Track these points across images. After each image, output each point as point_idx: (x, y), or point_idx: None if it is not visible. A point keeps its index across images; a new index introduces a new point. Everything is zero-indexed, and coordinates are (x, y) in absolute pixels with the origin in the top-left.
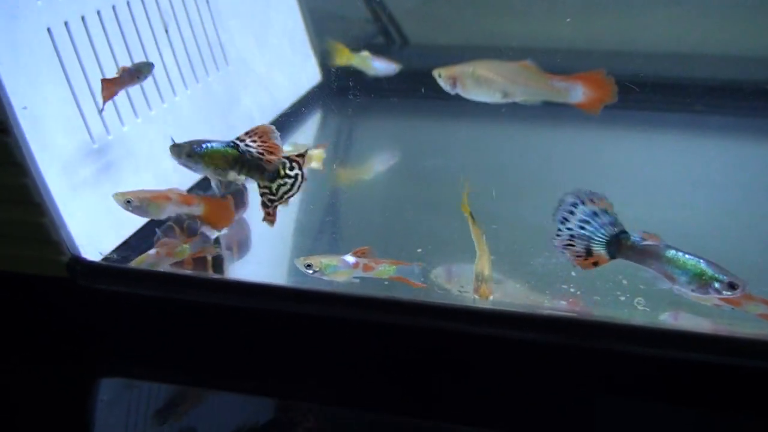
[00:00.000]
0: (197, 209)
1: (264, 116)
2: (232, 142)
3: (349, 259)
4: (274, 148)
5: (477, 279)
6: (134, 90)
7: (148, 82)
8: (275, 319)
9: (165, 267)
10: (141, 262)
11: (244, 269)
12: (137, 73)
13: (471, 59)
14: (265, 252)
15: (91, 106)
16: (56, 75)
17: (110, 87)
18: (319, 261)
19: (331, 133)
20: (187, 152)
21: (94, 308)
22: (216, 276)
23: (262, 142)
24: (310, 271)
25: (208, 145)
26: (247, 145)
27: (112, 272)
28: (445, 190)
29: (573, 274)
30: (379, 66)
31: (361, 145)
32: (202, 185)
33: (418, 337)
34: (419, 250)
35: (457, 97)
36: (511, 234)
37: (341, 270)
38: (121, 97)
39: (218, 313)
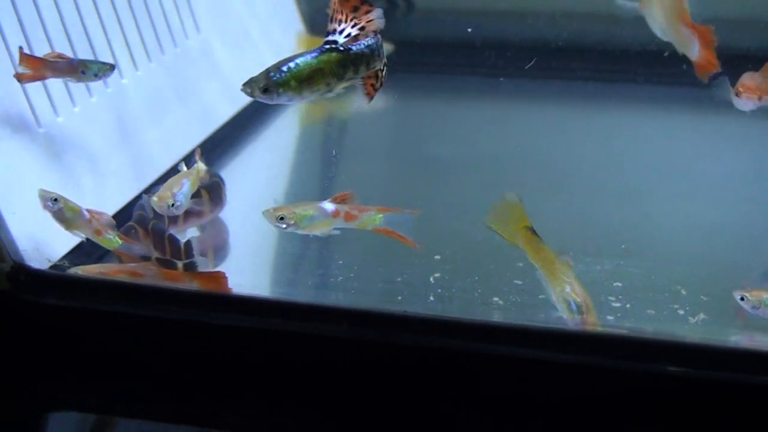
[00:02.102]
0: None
1: (235, 101)
2: (325, 43)
3: (328, 206)
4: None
5: (576, 310)
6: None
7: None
8: (260, 339)
9: (127, 277)
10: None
11: None
12: (81, 67)
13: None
14: (247, 258)
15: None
16: None
17: (35, 67)
18: (293, 211)
19: (322, 118)
20: (264, 86)
21: (42, 327)
22: (187, 287)
23: (356, 20)
24: (283, 225)
25: (296, 62)
26: (346, 36)
27: (63, 283)
28: (460, 183)
29: (618, 284)
30: None
31: (357, 131)
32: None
33: (436, 361)
34: (437, 256)
35: (468, 72)
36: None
37: (319, 221)
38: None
39: (192, 331)
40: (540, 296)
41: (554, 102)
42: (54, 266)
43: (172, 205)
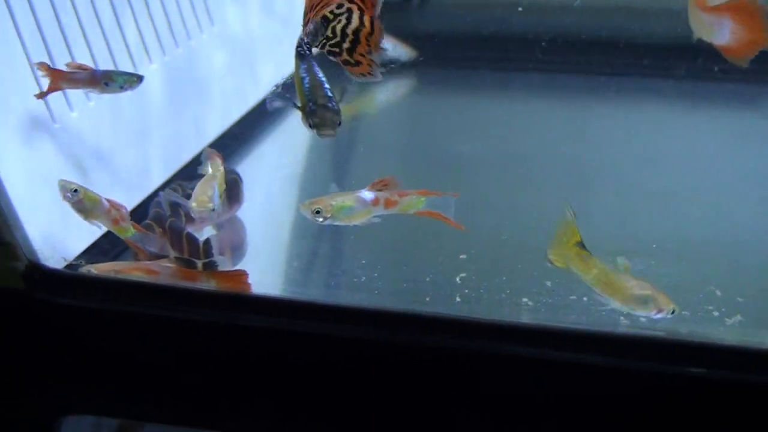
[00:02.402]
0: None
1: (248, 97)
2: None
3: (367, 194)
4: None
5: (652, 302)
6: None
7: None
8: (282, 341)
9: (142, 275)
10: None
11: None
12: (105, 78)
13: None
14: (265, 257)
15: None
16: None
17: (56, 79)
18: (329, 204)
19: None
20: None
21: (57, 327)
22: (205, 287)
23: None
24: (320, 219)
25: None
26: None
27: (78, 282)
28: (484, 180)
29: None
30: (387, 50)
31: (372, 128)
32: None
33: (466, 364)
34: (462, 256)
35: (490, 66)
36: None
37: (358, 211)
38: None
39: (212, 333)
40: (571, 297)
41: (579, 97)
42: (70, 265)
43: (213, 209)
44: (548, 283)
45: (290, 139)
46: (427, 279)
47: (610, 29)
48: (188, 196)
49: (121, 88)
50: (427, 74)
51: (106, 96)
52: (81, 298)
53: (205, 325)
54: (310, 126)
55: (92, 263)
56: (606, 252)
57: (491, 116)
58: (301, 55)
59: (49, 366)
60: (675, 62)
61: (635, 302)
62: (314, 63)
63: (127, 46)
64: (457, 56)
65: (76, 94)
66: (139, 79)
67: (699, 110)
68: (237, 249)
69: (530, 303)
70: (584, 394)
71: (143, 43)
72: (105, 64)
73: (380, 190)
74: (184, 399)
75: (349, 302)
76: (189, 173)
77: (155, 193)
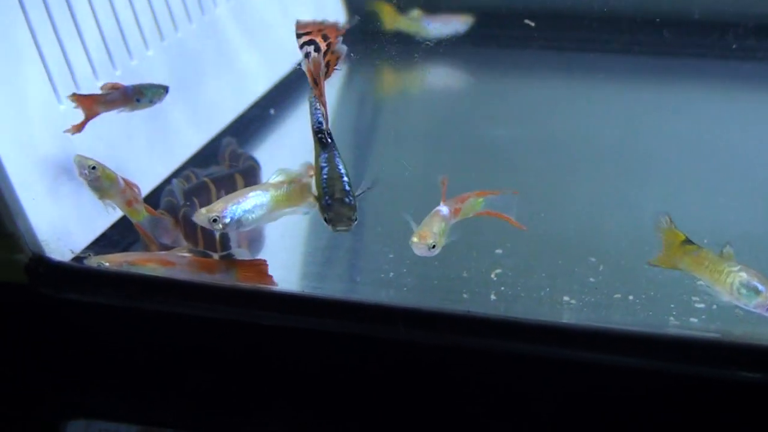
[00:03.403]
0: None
1: (267, 76)
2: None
3: (444, 210)
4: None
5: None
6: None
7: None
8: (307, 340)
9: (156, 270)
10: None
11: None
12: (136, 95)
13: None
14: (286, 251)
15: (58, 55)
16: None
17: (89, 106)
18: (433, 233)
19: (357, 94)
20: None
21: (63, 325)
22: (224, 281)
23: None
24: (436, 252)
25: None
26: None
27: (86, 276)
28: (521, 168)
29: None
30: (436, 28)
31: (398, 110)
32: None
33: (503, 366)
34: (498, 250)
35: (530, 45)
36: (614, 226)
37: (447, 228)
38: (95, 50)
39: (231, 331)
40: (616, 295)
41: (622, 78)
42: (77, 258)
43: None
44: (591, 280)
45: None
46: (464, 275)
47: (660, 7)
48: (201, 184)
49: (151, 102)
50: (460, 54)
51: (117, 75)
52: (89, 294)
53: (223, 324)
54: (325, 220)
55: (101, 255)
56: (653, 248)
57: (529, 98)
58: (323, 143)
59: (55, 366)
60: (726, 40)
61: (747, 290)
62: (336, 152)
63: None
64: (491, 35)
65: (82, 72)
66: (165, 90)
67: (750, 92)
68: (255, 241)
69: (572, 301)
70: (629, 398)
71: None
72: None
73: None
74: (200, 403)
75: (377, 300)
76: (202, 159)
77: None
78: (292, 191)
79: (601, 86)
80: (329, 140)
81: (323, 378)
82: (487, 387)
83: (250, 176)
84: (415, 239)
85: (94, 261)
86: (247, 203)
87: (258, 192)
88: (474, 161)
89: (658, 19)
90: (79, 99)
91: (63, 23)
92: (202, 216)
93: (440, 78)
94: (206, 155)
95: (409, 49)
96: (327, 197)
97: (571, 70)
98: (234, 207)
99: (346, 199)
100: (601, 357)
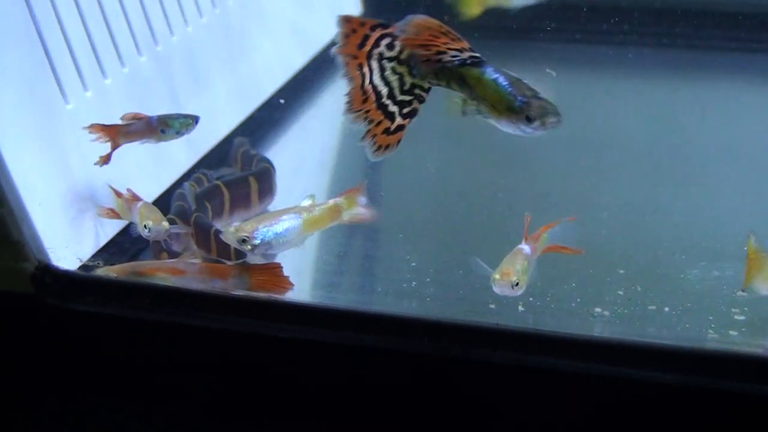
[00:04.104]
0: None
1: (285, 68)
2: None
3: (526, 248)
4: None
5: None
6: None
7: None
8: (326, 354)
9: (166, 280)
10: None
11: None
12: (161, 125)
13: None
14: (302, 258)
15: (64, 52)
16: None
17: (111, 136)
18: (514, 271)
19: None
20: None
21: (71, 337)
22: (239, 290)
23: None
24: (520, 291)
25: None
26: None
27: (95, 286)
28: (551, 170)
29: (742, 293)
30: None
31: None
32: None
33: (533, 382)
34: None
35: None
36: (647, 232)
37: (529, 267)
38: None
39: (247, 345)
40: (650, 307)
41: (657, 74)
42: (85, 266)
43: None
44: (620, 292)
45: (328, 121)
46: (482, 285)
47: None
48: (214, 187)
49: (177, 134)
50: (493, 47)
51: (125, 72)
52: (98, 304)
53: (236, 336)
54: (528, 119)
55: (110, 264)
56: (690, 256)
57: (556, 94)
58: (480, 61)
59: (62, 381)
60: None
61: None
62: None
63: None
64: (518, 26)
65: (89, 68)
66: (195, 120)
67: None
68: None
69: (605, 313)
70: (666, 416)
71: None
72: None
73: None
74: (210, 419)
75: (398, 311)
76: (214, 160)
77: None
78: (325, 214)
79: (633, 82)
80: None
81: (341, 394)
82: (517, 404)
83: (265, 179)
84: (497, 276)
85: (101, 271)
86: (279, 226)
87: (291, 215)
88: (497, 161)
89: (693, 12)
90: (102, 129)
91: (68, 16)
92: (230, 235)
93: None
94: (218, 155)
95: None
96: (519, 97)
97: (601, 63)
98: (265, 229)
99: (538, 94)
100: (634, 372)
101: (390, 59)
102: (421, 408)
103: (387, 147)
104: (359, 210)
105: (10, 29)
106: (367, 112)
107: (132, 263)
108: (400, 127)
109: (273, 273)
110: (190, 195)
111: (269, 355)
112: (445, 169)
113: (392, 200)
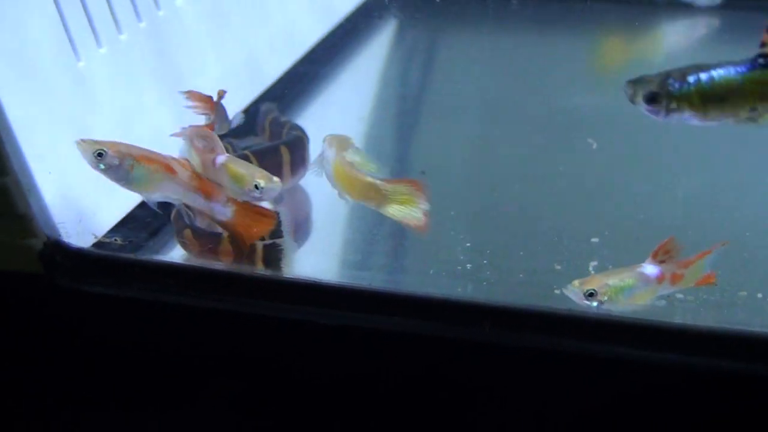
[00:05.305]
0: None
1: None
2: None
3: (651, 269)
4: None
5: None
6: None
7: None
8: (369, 341)
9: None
10: None
11: (307, 262)
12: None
13: None
14: (339, 237)
15: (76, 3)
16: None
17: (213, 111)
18: (605, 283)
19: (406, 54)
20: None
21: (83, 321)
22: (269, 273)
23: None
24: (595, 304)
25: (710, 74)
26: None
27: (110, 265)
28: (610, 143)
29: None
30: None
31: (452, 75)
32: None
33: (606, 371)
34: (594, 239)
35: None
36: (731, 211)
37: (641, 291)
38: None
39: (280, 331)
40: (741, 293)
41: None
42: (99, 243)
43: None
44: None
45: (364, 82)
46: (556, 267)
47: None
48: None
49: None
50: (514, 12)
51: (142, 27)
52: (113, 286)
53: (277, 323)
54: None
55: (129, 241)
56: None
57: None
58: None
59: (73, 369)
60: None
61: None
62: None
63: None
64: None
65: (103, 23)
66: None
67: None
68: (300, 226)
69: (689, 298)
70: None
71: None
72: None
73: (663, 261)
74: (242, 414)
75: (453, 295)
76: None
77: None
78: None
79: (695, 50)
80: None
81: (388, 386)
82: (586, 394)
83: (297, 149)
84: (575, 282)
85: (81, 145)
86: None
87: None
88: (545, 135)
89: None
90: (199, 99)
91: None
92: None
93: (495, 39)
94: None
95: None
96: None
97: (656, 27)
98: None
99: (671, 80)
100: (723, 363)
101: None
102: (475, 398)
103: None
104: (416, 212)
105: None
106: None
107: (127, 145)
108: None
109: (260, 213)
110: None
111: (310, 344)
112: (496, 140)
113: (440, 174)
